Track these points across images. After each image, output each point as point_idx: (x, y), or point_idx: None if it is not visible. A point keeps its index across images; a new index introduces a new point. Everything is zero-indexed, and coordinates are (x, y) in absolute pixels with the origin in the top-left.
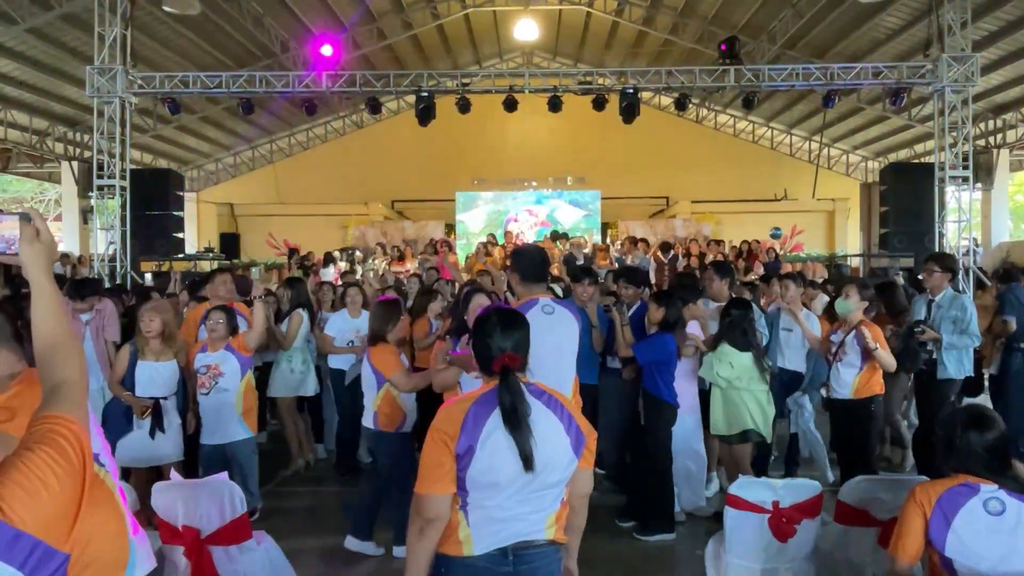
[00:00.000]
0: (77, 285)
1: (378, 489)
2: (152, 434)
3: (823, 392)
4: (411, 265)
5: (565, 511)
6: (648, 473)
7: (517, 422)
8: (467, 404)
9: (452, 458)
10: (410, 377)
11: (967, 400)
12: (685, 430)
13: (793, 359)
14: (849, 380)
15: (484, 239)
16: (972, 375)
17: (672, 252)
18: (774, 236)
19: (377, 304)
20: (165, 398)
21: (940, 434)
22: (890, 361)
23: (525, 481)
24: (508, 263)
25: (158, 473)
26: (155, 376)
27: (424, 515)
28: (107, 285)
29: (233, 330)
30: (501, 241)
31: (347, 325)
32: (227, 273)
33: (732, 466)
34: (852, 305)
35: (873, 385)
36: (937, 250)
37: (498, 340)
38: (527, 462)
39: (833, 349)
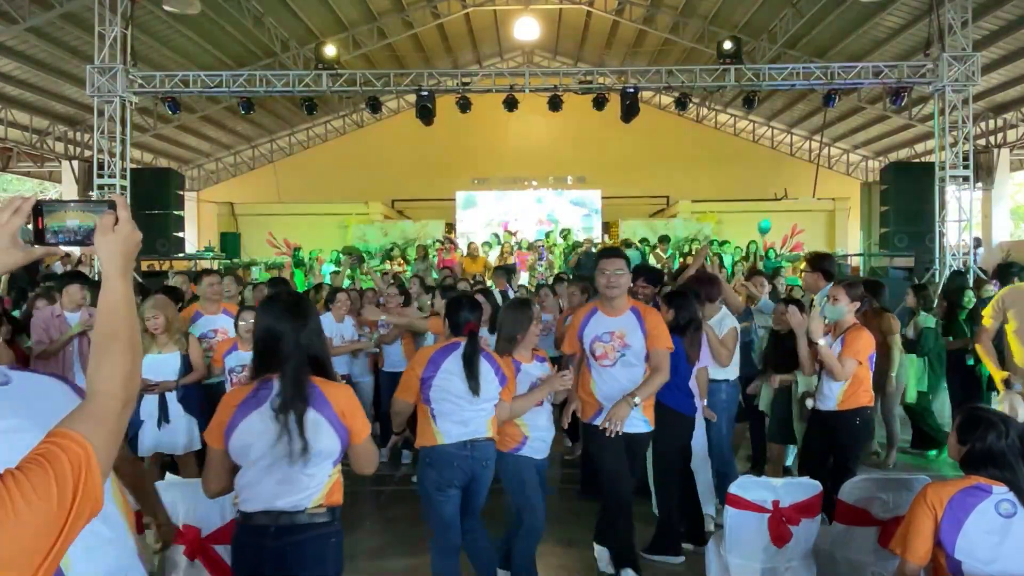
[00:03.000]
0: (72, 276)
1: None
2: (159, 425)
3: (808, 403)
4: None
5: (496, 420)
6: (657, 488)
7: (471, 364)
8: (432, 350)
9: (418, 380)
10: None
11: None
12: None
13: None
14: (835, 390)
15: (480, 239)
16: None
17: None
18: (762, 230)
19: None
20: (169, 389)
21: (960, 435)
22: (836, 368)
23: (469, 400)
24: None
25: (174, 466)
26: (159, 366)
27: (394, 408)
28: None
29: None
30: (504, 240)
31: (332, 329)
32: (215, 274)
33: (774, 462)
34: (844, 309)
35: (860, 396)
36: (937, 250)
37: (466, 314)
38: (475, 389)
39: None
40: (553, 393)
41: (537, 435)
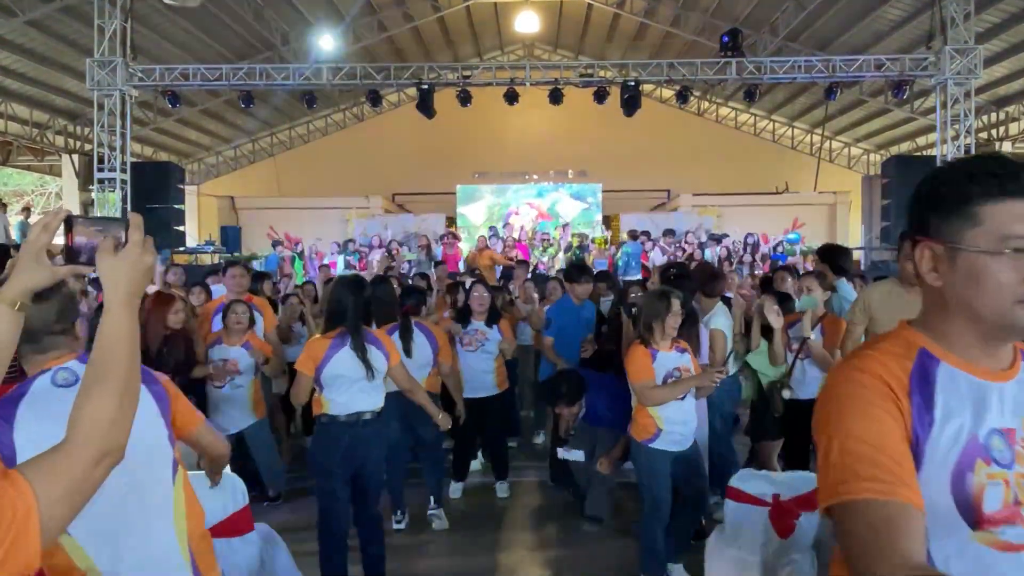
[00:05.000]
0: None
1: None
2: None
3: (786, 394)
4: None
5: (433, 376)
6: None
7: (404, 336)
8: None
9: None
10: None
11: None
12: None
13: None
14: (818, 378)
15: (485, 233)
16: None
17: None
18: (791, 242)
19: None
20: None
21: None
22: (828, 359)
23: (408, 361)
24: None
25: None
26: None
27: None
28: None
29: (251, 324)
30: (502, 234)
31: None
32: (240, 266)
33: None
34: (818, 298)
35: None
36: None
37: (403, 298)
38: (408, 352)
39: (795, 346)
40: (694, 389)
41: (672, 428)
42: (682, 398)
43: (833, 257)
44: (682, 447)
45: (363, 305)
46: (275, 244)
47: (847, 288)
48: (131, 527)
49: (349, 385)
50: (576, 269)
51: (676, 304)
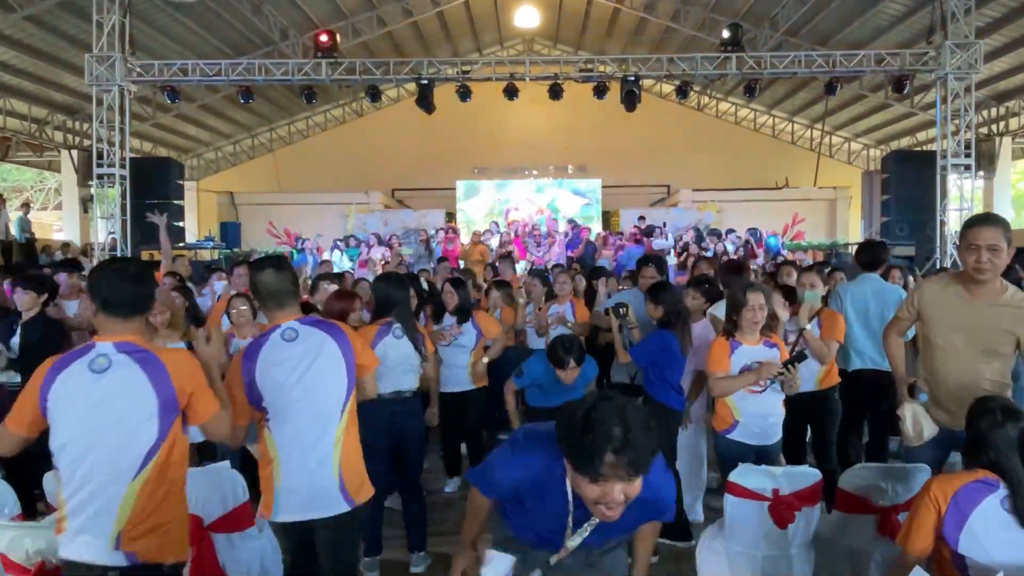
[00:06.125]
0: (66, 264)
1: None
2: None
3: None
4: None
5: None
6: None
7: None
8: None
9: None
10: None
11: None
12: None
13: None
14: (814, 372)
15: (481, 228)
16: None
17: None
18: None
19: None
20: None
21: (965, 421)
22: (824, 351)
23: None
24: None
25: None
26: None
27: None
28: None
29: (255, 315)
30: (504, 229)
31: None
32: (246, 265)
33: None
34: (820, 293)
35: (833, 375)
36: (939, 239)
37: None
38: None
39: (792, 339)
40: (777, 382)
41: (749, 420)
42: (761, 391)
43: (863, 252)
44: (763, 441)
45: (408, 299)
46: (299, 239)
47: (873, 281)
48: (303, 441)
49: (391, 368)
50: (562, 348)
51: (754, 299)
